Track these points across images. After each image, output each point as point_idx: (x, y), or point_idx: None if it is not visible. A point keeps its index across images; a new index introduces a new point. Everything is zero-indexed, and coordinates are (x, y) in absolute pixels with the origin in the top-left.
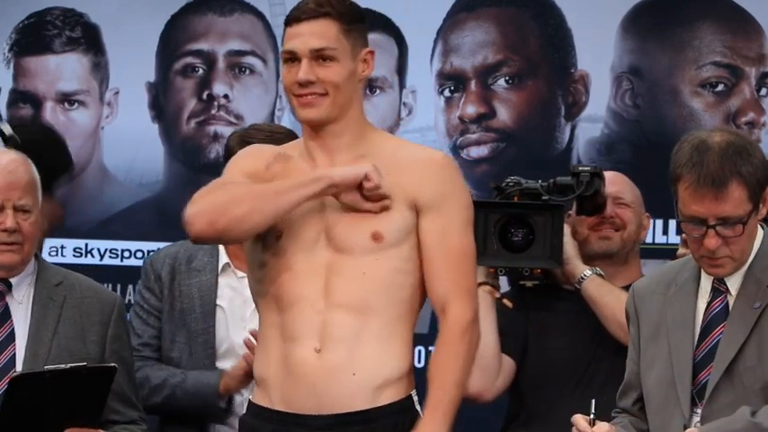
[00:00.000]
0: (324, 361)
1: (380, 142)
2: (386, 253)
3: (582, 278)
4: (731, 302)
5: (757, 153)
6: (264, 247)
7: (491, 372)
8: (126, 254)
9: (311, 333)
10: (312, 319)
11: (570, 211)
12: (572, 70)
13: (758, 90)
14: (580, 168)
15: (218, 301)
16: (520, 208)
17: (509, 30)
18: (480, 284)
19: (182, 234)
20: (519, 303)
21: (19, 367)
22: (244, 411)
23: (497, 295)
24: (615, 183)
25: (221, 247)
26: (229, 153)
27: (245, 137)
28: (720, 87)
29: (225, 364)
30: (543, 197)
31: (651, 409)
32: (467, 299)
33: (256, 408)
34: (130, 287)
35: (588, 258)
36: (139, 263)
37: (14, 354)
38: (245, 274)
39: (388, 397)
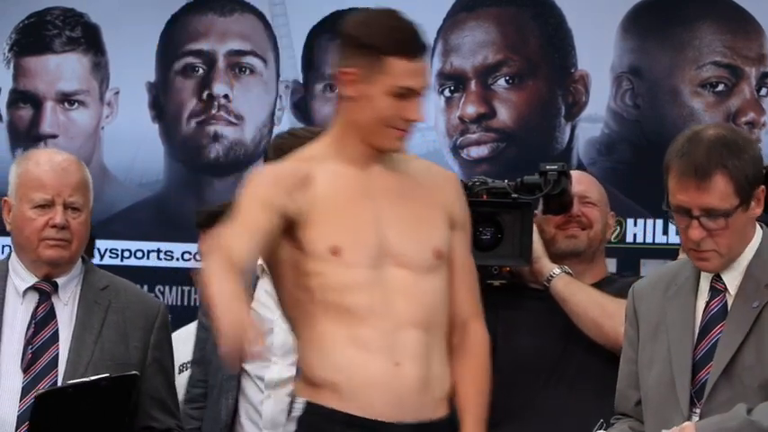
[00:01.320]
0: (404, 374)
1: (402, 156)
2: (441, 269)
3: (551, 276)
4: (730, 302)
5: (750, 150)
6: (314, 257)
7: None
8: (126, 254)
9: (389, 348)
10: (388, 334)
11: (536, 211)
12: (572, 70)
13: (758, 90)
14: (547, 167)
15: (252, 304)
16: (489, 206)
17: (509, 30)
18: None
19: (181, 234)
20: (487, 303)
21: (61, 369)
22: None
23: None
24: (581, 182)
25: None
26: (266, 160)
27: (280, 145)
28: (720, 87)
29: (250, 367)
30: (512, 196)
31: (649, 409)
32: (482, 316)
33: (324, 409)
34: (128, 283)
35: (555, 257)
36: (139, 263)
37: (57, 354)
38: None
39: (445, 409)
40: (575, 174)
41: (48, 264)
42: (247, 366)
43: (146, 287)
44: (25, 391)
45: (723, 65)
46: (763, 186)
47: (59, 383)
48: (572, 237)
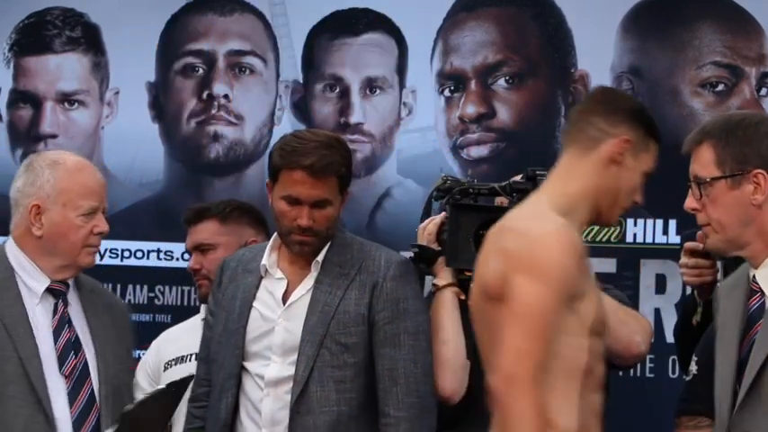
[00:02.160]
0: None
1: None
2: None
3: None
4: (767, 302)
5: (755, 131)
6: (588, 329)
7: (462, 374)
8: (126, 254)
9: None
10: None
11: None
12: (572, 70)
13: (758, 90)
14: (537, 172)
15: (254, 303)
16: (498, 212)
17: (509, 30)
18: (447, 286)
19: (181, 234)
20: None
21: (93, 374)
22: None
23: (462, 297)
24: None
25: (268, 250)
26: (271, 164)
27: (284, 148)
28: (720, 87)
29: (251, 365)
30: (500, 198)
31: (716, 408)
32: None
33: None
34: (130, 287)
35: None
36: (139, 263)
37: (85, 359)
38: (282, 276)
39: None
40: None
41: (81, 269)
42: (247, 364)
43: (146, 287)
44: (71, 397)
45: (723, 65)
46: (761, 171)
47: (96, 389)
48: None
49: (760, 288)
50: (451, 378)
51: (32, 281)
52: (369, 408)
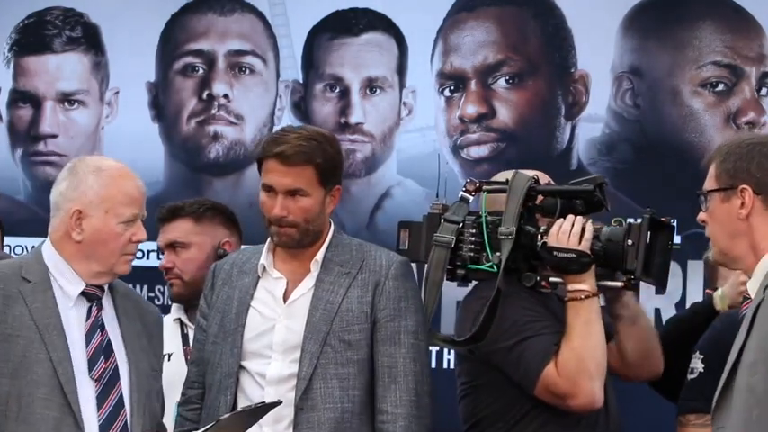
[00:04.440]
0: None
1: None
2: None
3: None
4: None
5: (749, 150)
6: None
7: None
8: None
9: None
10: None
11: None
12: (572, 70)
13: (758, 90)
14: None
15: (252, 303)
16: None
17: (509, 29)
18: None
19: None
20: None
21: (124, 380)
22: None
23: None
24: None
25: (265, 251)
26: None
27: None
28: (721, 87)
29: (250, 364)
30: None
31: None
32: None
33: None
34: (130, 287)
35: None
36: (139, 263)
37: (116, 363)
38: (281, 276)
39: None
40: None
41: (116, 276)
42: (245, 363)
43: (146, 287)
44: (99, 400)
45: (723, 65)
46: (744, 186)
47: (126, 394)
48: None
49: (751, 296)
50: (600, 387)
51: (68, 284)
52: (372, 405)
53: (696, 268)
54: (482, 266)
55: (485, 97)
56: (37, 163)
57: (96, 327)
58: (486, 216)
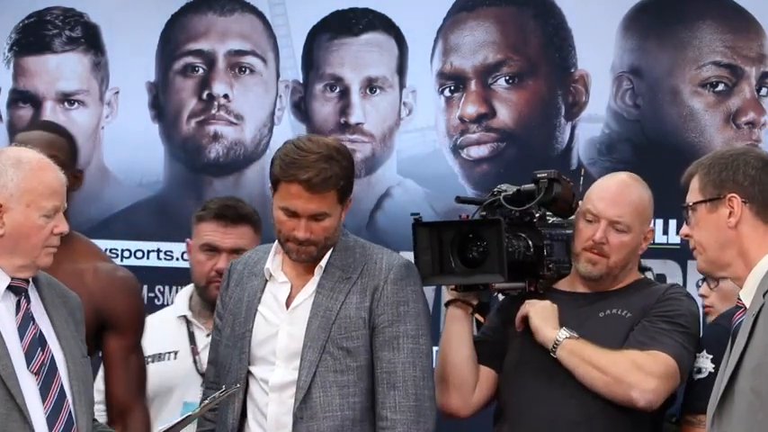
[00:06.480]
0: None
1: None
2: None
3: (555, 344)
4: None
5: (733, 161)
6: None
7: (467, 388)
8: (126, 254)
9: None
10: None
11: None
12: (572, 70)
13: (758, 90)
14: (539, 175)
15: (259, 307)
16: (471, 225)
17: (509, 29)
18: (451, 302)
19: (181, 234)
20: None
21: (62, 370)
22: None
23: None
24: (616, 204)
25: (272, 254)
26: (271, 171)
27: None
28: (721, 87)
29: (257, 370)
30: (481, 213)
31: None
32: None
33: None
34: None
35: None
36: (139, 263)
37: (52, 355)
38: (286, 280)
39: None
40: (611, 191)
41: (39, 269)
42: (253, 369)
43: (146, 287)
44: (42, 393)
45: (723, 65)
46: (732, 195)
47: (66, 385)
48: (590, 262)
49: (744, 304)
50: (455, 394)
51: None
52: (373, 412)
53: (696, 268)
54: None
55: (485, 97)
56: None
57: (28, 319)
58: None
